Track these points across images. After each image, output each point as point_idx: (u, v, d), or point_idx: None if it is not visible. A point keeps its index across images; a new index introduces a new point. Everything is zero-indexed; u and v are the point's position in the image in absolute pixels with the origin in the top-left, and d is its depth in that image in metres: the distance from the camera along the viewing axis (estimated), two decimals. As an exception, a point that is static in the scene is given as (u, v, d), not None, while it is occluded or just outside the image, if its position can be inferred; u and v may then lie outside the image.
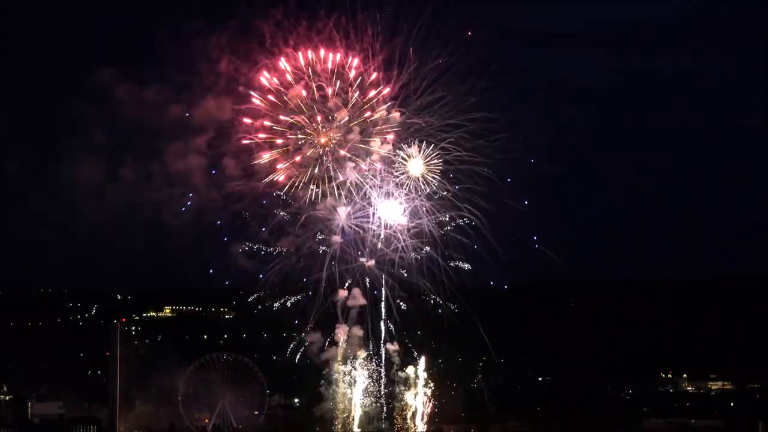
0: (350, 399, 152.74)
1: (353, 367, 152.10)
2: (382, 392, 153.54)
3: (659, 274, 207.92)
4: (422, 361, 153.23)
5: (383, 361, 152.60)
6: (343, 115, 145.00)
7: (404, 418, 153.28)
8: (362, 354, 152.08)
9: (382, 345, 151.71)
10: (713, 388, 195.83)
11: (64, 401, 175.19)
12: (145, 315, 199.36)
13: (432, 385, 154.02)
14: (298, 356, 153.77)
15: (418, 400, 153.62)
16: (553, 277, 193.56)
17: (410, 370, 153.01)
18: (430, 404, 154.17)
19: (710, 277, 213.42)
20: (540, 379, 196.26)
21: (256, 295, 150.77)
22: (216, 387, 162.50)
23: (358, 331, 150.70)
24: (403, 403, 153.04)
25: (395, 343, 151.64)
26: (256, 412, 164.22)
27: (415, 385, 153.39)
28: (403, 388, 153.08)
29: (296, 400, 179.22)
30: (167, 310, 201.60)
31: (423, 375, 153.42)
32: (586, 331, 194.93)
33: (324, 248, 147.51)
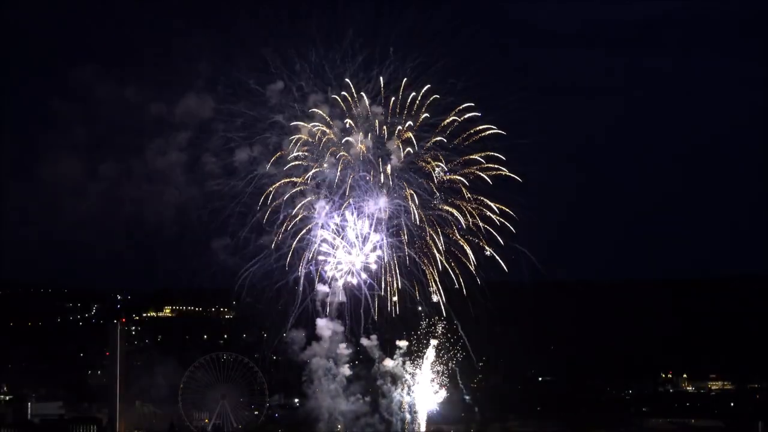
0: (335, 396, 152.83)
1: (335, 363, 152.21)
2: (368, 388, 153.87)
3: (659, 274, 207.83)
4: (399, 356, 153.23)
5: (369, 357, 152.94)
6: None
7: (406, 416, 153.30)
8: (344, 351, 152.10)
9: (366, 341, 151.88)
10: (713, 388, 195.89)
11: (64, 401, 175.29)
12: (145, 315, 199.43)
13: (422, 382, 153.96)
14: (283, 354, 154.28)
15: (417, 398, 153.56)
16: (553, 277, 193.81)
17: (391, 364, 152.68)
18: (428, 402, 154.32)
19: (711, 277, 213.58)
20: (540, 379, 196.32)
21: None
22: (216, 387, 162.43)
23: (339, 327, 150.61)
24: (392, 400, 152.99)
25: (373, 338, 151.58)
26: (256, 412, 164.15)
27: (404, 382, 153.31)
28: (390, 385, 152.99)
29: (296, 400, 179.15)
30: (167, 310, 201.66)
31: (413, 371, 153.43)
32: (587, 331, 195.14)
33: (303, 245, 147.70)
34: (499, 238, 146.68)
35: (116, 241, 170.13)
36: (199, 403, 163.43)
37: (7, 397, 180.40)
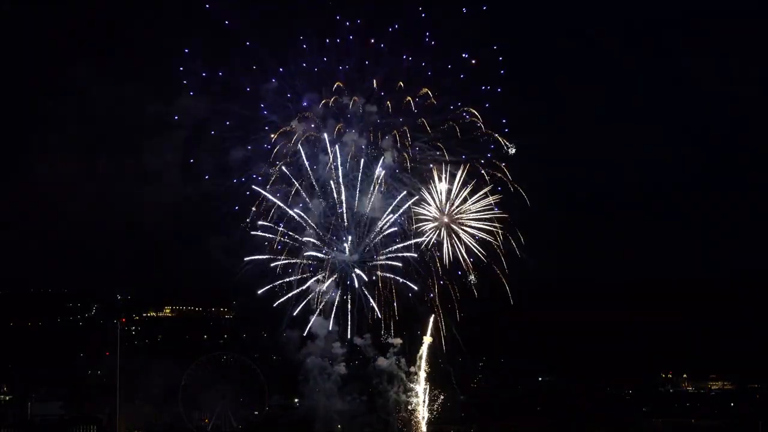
0: (330, 396, 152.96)
1: (331, 362, 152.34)
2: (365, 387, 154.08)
3: (659, 274, 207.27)
4: (393, 355, 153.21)
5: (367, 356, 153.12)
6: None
7: (407, 417, 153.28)
8: (339, 350, 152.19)
9: (360, 340, 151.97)
10: (713, 388, 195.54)
11: (64, 401, 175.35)
12: (145, 315, 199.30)
13: (419, 382, 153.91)
14: (280, 354, 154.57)
15: (414, 398, 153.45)
16: (553, 276, 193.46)
17: (385, 363, 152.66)
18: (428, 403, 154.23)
19: (711, 276, 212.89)
20: (540, 379, 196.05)
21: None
22: (216, 387, 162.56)
23: (334, 326, 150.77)
24: (390, 399, 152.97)
25: (366, 337, 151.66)
26: (256, 412, 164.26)
27: (401, 380, 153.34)
28: (386, 384, 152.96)
29: (296, 400, 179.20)
30: (167, 310, 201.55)
31: (407, 371, 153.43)
32: (586, 331, 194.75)
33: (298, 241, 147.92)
34: (498, 237, 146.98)
35: (115, 241, 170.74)
36: (199, 403, 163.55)
37: (7, 397, 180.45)
